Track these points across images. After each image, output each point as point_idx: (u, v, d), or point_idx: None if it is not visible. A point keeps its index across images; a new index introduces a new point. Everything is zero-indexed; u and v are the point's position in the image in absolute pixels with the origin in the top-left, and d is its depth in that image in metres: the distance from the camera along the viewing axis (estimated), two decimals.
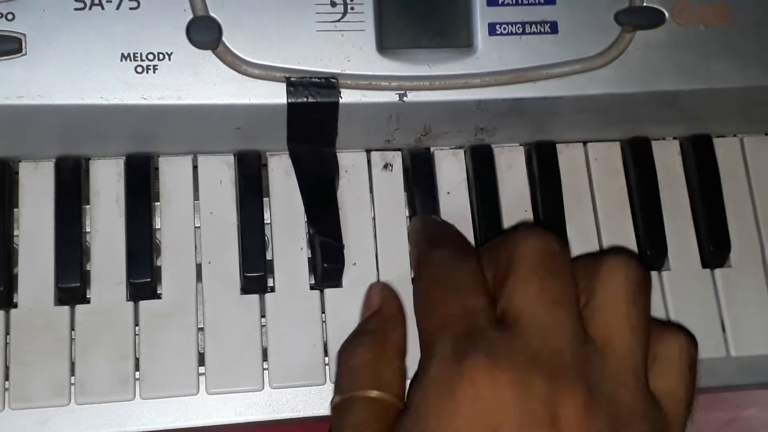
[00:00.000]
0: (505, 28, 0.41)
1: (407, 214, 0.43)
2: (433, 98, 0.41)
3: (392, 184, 0.43)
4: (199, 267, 0.41)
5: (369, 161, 0.44)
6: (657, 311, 0.43)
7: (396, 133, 0.43)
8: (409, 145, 0.44)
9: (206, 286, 0.41)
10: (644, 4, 0.42)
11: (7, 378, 0.39)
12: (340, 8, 0.40)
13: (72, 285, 0.40)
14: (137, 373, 0.39)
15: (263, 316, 0.41)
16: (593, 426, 0.31)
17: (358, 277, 0.41)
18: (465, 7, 0.41)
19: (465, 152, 0.44)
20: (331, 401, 0.38)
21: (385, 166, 0.44)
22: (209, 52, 0.39)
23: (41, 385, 0.39)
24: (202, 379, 0.40)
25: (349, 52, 0.40)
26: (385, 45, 0.40)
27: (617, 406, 0.32)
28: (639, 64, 0.42)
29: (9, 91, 0.38)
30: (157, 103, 0.39)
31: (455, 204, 0.43)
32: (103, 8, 0.39)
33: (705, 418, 0.49)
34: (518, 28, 0.41)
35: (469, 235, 0.43)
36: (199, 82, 0.39)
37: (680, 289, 0.43)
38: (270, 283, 0.41)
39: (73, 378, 0.39)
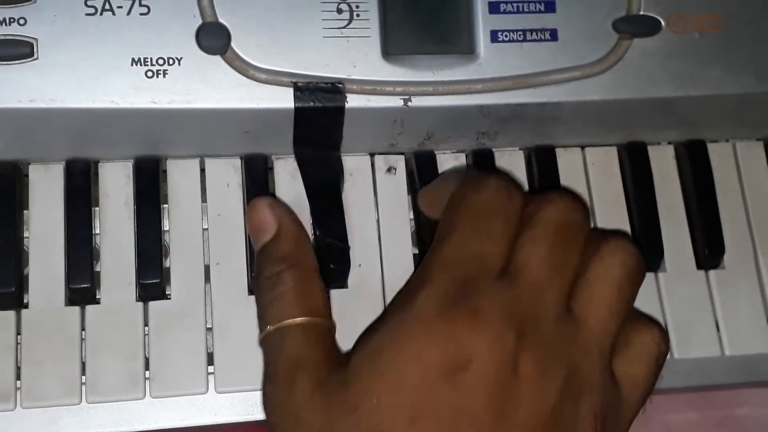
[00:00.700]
0: (506, 36, 0.42)
1: (411, 217, 0.44)
2: (437, 103, 0.42)
3: (396, 187, 0.44)
4: (207, 268, 0.42)
5: (373, 165, 0.45)
6: (653, 311, 0.44)
7: (400, 137, 0.43)
8: (412, 149, 0.45)
9: (214, 287, 0.41)
10: (641, 13, 0.43)
11: (18, 377, 0.39)
12: (346, 15, 0.41)
13: (82, 286, 0.40)
14: (147, 372, 0.40)
15: None
16: (546, 384, 0.33)
17: (363, 278, 0.42)
18: (468, 15, 0.42)
19: (467, 156, 0.45)
20: (260, 336, 0.38)
21: (389, 170, 0.44)
22: (218, 58, 0.40)
23: (52, 384, 0.39)
24: (210, 378, 0.40)
25: (355, 58, 0.41)
26: (390, 51, 0.41)
27: (575, 373, 0.34)
28: (636, 71, 0.43)
29: (21, 95, 0.39)
30: (167, 107, 0.40)
31: None
32: (114, 14, 0.40)
33: (699, 417, 0.50)
34: (519, 35, 0.42)
35: None
36: (208, 87, 0.40)
37: (676, 290, 0.45)
38: None
39: (83, 377, 0.39)
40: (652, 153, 0.46)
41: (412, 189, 0.44)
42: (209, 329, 0.41)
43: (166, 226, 0.42)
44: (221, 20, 0.40)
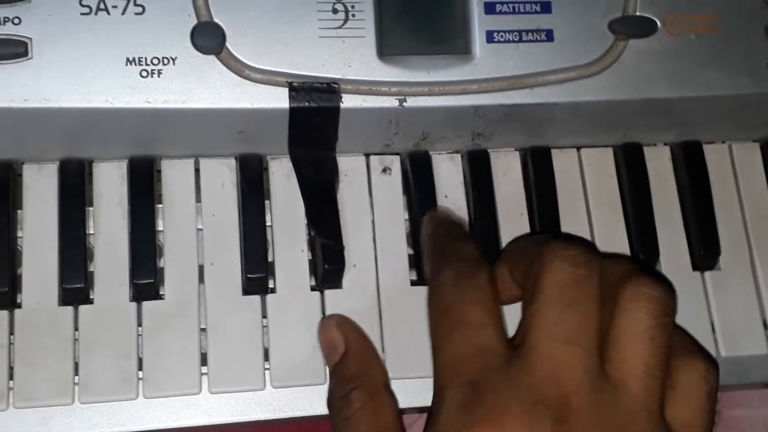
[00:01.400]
0: (502, 36, 0.42)
1: (406, 217, 0.44)
2: (432, 104, 0.42)
3: (391, 187, 0.44)
4: (201, 268, 0.42)
5: (368, 165, 0.44)
6: None
7: (395, 137, 0.43)
8: (408, 150, 0.45)
9: (208, 287, 0.41)
10: (637, 14, 0.43)
11: (11, 377, 0.39)
12: (341, 15, 0.41)
13: (76, 286, 0.40)
14: (140, 372, 0.40)
15: (264, 316, 0.41)
16: None
17: (357, 278, 0.42)
18: (463, 15, 0.42)
19: (462, 157, 0.45)
20: None
21: (384, 170, 0.44)
22: (213, 57, 0.40)
23: (45, 384, 0.39)
24: (204, 378, 0.40)
25: (350, 58, 0.41)
26: (385, 51, 0.41)
27: None
28: (631, 72, 0.43)
29: (15, 94, 0.39)
30: (162, 107, 0.40)
31: (452, 207, 0.44)
32: (108, 13, 0.39)
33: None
34: (515, 35, 0.42)
35: None
36: (202, 87, 0.40)
37: None
38: (271, 284, 0.42)
39: (76, 377, 0.39)
40: (647, 154, 0.46)
41: (407, 190, 0.44)
42: (203, 330, 0.41)
43: (160, 226, 0.42)
44: (216, 20, 0.40)
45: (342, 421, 0.37)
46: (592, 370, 0.33)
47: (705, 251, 0.45)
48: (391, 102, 0.41)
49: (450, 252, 0.39)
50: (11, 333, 0.40)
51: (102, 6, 0.39)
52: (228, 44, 0.40)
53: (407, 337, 0.41)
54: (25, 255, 0.41)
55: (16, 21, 0.39)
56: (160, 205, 0.42)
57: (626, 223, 0.45)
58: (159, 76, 0.40)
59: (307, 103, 0.41)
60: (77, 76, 0.39)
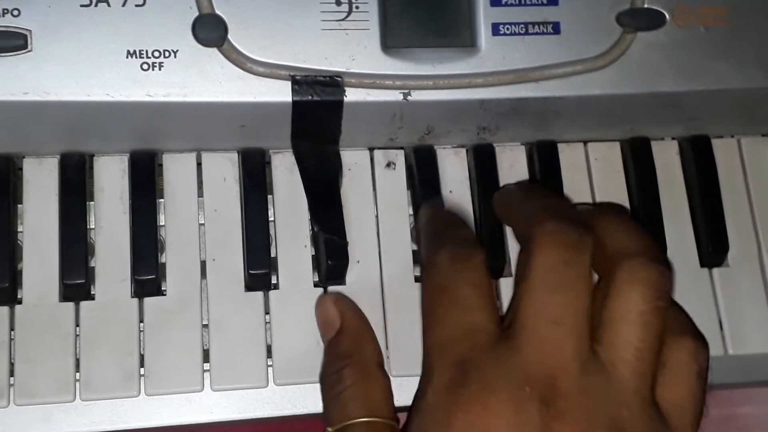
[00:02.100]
0: (508, 29, 0.42)
1: (410, 212, 0.43)
2: (437, 97, 0.41)
3: (395, 182, 0.44)
4: (203, 264, 0.41)
5: (372, 159, 0.44)
6: None
7: (399, 131, 0.43)
8: (412, 144, 0.44)
9: (210, 283, 0.41)
10: (645, 6, 0.42)
11: (12, 374, 0.39)
12: (345, 7, 0.40)
13: (77, 281, 0.40)
14: (142, 369, 0.39)
15: (267, 313, 0.41)
16: None
17: (361, 274, 0.42)
18: (469, 7, 0.42)
19: (467, 151, 0.45)
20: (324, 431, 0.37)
21: (388, 165, 0.44)
22: (215, 50, 0.39)
23: (46, 381, 0.39)
24: (206, 375, 0.40)
25: (354, 51, 0.40)
26: (389, 44, 0.41)
27: (617, 427, 0.32)
28: (639, 65, 0.42)
29: (14, 88, 0.38)
30: (163, 101, 0.39)
31: (457, 202, 0.43)
32: (109, 5, 0.39)
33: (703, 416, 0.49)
34: (521, 28, 0.42)
35: None
36: (204, 80, 0.39)
37: (678, 289, 0.43)
38: (274, 280, 0.42)
39: (78, 374, 0.39)
40: (655, 148, 0.46)
41: (412, 184, 0.44)
42: (205, 326, 0.40)
43: (161, 220, 0.42)
44: (218, 12, 0.40)
45: (333, 397, 0.37)
46: (581, 352, 0.32)
47: (713, 247, 0.45)
48: (395, 96, 0.41)
49: (445, 235, 0.39)
50: (12, 329, 0.39)
51: None
52: (230, 37, 0.39)
53: (411, 333, 0.40)
54: (25, 250, 0.40)
55: (16, 13, 0.38)
56: (162, 200, 0.42)
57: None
58: (160, 69, 0.39)
59: (310, 97, 0.40)
60: (77, 68, 0.39)
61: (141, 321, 0.40)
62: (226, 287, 0.41)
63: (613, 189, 0.45)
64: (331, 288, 0.41)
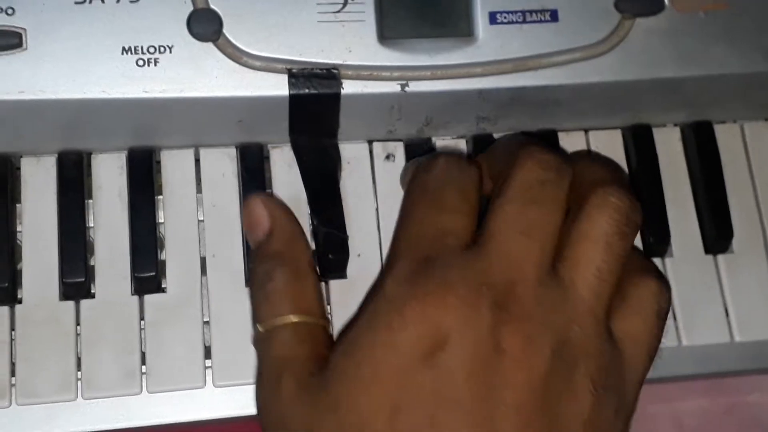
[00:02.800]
0: (505, 17, 0.41)
1: None
2: (435, 88, 0.41)
3: (395, 174, 0.43)
4: (203, 260, 0.41)
5: (371, 152, 0.44)
6: None
7: (398, 123, 0.43)
8: (411, 136, 0.44)
9: (211, 280, 0.41)
10: None
11: (13, 374, 0.39)
12: None
13: (77, 280, 0.40)
14: (143, 367, 0.39)
15: None
16: (533, 357, 0.32)
17: (362, 268, 0.41)
18: None
19: (467, 142, 0.44)
20: (253, 335, 0.38)
21: (387, 157, 0.44)
22: (210, 45, 0.39)
23: (47, 380, 0.38)
24: (208, 372, 0.40)
25: (350, 43, 0.40)
26: (386, 35, 0.40)
27: (565, 342, 0.32)
28: (639, 52, 0.42)
29: (10, 86, 0.38)
30: (159, 97, 0.39)
31: None
32: (103, 2, 0.39)
33: (708, 403, 0.49)
34: (519, 16, 0.41)
35: None
36: (200, 75, 0.39)
37: (683, 276, 0.44)
38: None
39: (79, 373, 0.39)
40: (657, 135, 0.45)
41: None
42: (206, 322, 0.40)
43: (160, 217, 0.42)
44: (213, 6, 0.39)
45: (263, 297, 0.37)
46: (542, 265, 0.33)
47: (717, 234, 0.44)
48: (392, 87, 0.40)
49: (442, 153, 0.39)
50: (12, 329, 0.39)
51: None
52: (225, 31, 0.39)
53: None
54: (24, 249, 0.40)
55: (10, 11, 0.38)
56: (161, 197, 0.42)
57: None
58: (156, 65, 0.39)
59: (307, 90, 0.40)
60: (73, 66, 0.38)
61: (142, 319, 0.40)
62: (226, 283, 0.41)
63: None
64: (332, 281, 0.41)
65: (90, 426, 0.39)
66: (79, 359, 0.39)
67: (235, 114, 0.41)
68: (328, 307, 0.41)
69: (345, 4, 0.40)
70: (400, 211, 0.38)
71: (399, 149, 0.44)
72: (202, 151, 0.42)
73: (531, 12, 0.41)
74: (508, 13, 0.41)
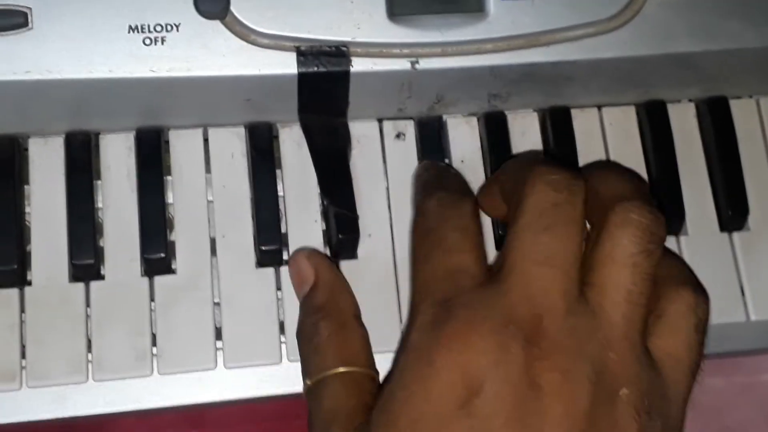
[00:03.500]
0: None
1: None
2: (446, 65, 0.40)
3: (405, 153, 0.43)
4: (213, 241, 0.41)
5: (381, 131, 0.43)
6: None
7: (408, 101, 0.42)
8: (422, 114, 0.43)
9: (221, 261, 0.40)
10: None
11: (23, 356, 0.38)
12: None
13: (86, 261, 0.39)
14: (154, 348, 0.39)
15: (279, 289, 0.40)
16: (572, 391, 0.30)
17: (372, 248, 0.41)
18: None
19: (478, 119, 0.44)
20: (303, 388, 0.37)
21: (398, 136, 0.43)
22: (217, 23, 0.39)
23: (58, 362, 0.38)
24: (219, 353, 0.39)
25: (360, 20, 0.40)
26: (395, 12, 0.40)
27: (603, 370, 0.31)
28: (653, 26, 0.41)
29: (16, 66, 0.38)
30: (166, 76, 0.38)
31: (469, 172, 0.43)
32: None
33: (724, 383, 0.48)
34: None
35: None
36: (207, 54, 0.39)
37: (698, 254, 0.43)
38: (285, 255, 0.41)
39: (89, 355, 0.39)
40: (671, 111, 0.45)
41: (422, 155, 0.43)
42: (217, 304, 0.40)
43: (169, 198, 0.41)
44: None
45: (311, 350, 0.37)
46: (569, 294, 0.32)
47: (733, 211, 0.43)
48: (403, 64, 0.40)
49: (437, 184, 0.39)
50: (22, 311, 0.39)
51: None
52: (232, 8, 0.39)
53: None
54: (33, 231, 0.40)
55: None
56: (169, 177, 0.41)
57: (650, 185, 0.44)
58: (162, 44, 0.38)
59: (315, 68, 0.39)
60: (79, 45, 0.38)
61: (152, 300, 0.40)
62: (237, 264, 0.40)
63: (629, 154, 0.44)
64: (342, 262, 0.41)
65: (101, 408, 0.39)
66: (89, 341, 0.39)
67: (244, 93, 0.40)
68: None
69: None
70: (410, 255, 0.38)
71: (409, 127, 0.43)
72: (211, 131, 0.42)
73: None
74: None
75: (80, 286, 0.39)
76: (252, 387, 0.40)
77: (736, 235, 0.44)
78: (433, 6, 0.40)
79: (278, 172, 0.42)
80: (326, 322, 0.37)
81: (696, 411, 0.47)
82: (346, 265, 0.41)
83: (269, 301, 0.40)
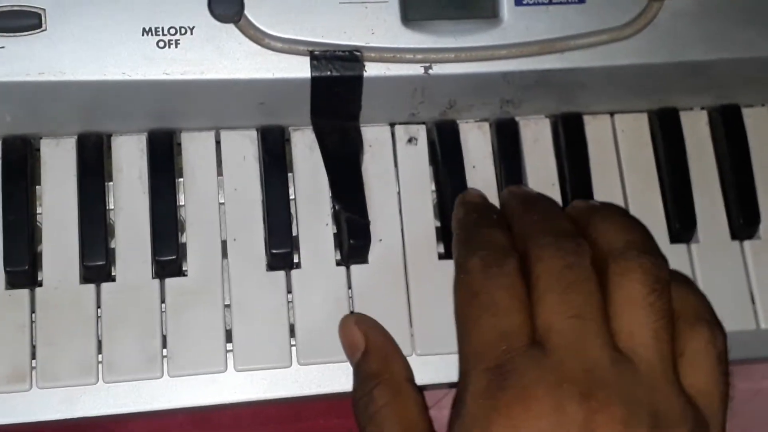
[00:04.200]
0: None
1: (432, 189, 0.43)
2: (459, 71, 0.40)
3: (417, 158, 0.43)
4: (224, 244, 0.41)
5: (393, 135, 0.43)
6: None
7: (420, 106, 0.42)
8: (434, 119, 0.43)
9: (232, 263, 0.40)
10: None
11: (34, 357, 0.38)
12: None
13: (97, 263, 0.39)
14: (165, 350, 0.39)
15: (290, 292, 0.40)
16: None
17: (384, 253, 0.41)
18: None
19: (490, 125, 0.44)
20: None
21: (410, 140, 0.43)
22: (231, 26, 0.39)
23: (68, 363, 0.38)
24: (229, 356, 0.39)
25: (373, 25, 0.40)
26: (409, 17, 0.40)
27: (656, 412, 0.32)
28: (667, 34, 0.41)
29: (29, 68, 0.38)
30: (180, 79, 0.38)
31: (481, 178, 0.43)
32: None
33: (733, 390, 0.48)
34: None
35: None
36: (221, 57, 0.39)
37: (709, 262, 0.43)
38: (296, 259, 0.41)
39: (100, 356, 0.39)
40: (684, 119, 0.45)
41: (434, 160, 0.43)
42: (227, 306, 0.40)
43: (181, 200, 0.41)
44: None
45: (367, 419, 0.37)
46: (607, 344, 0.33)
47: (744, 219, 0.44)
48: (416, 69, 0.40)
49: (479, 238, 0.38)
50: (33, 312, 0.39)
51: None
52: (246, 12, 0.39)
53: (435, 312, 0.40)
54: (45, 232, 0.40)
55: None
56: (181, 179, 0.41)
57: (662, 192, 0.44)
58: (176, 47, 0.38)
59: (329, 72, 0.39)
60: (93, 47, 0.38)
61: (163, 302, 0.40)
62: (247, 267, 0.40)
63: (641, 161, 0.44)
64: (353, 266, 0.41)
65: (111, 409, 0.39)
66: (99, 343, 0.39)
67: (256, 96, 0.40)
68: (350, 291, 0.41)
69: None
70: (455, 314, 0.37)
71: (422, 132, 0.43)
72: (223, 134, 0.42)
73: None
74: None
75: (91, 287, 0.39)
76: (262, 390, 0.40)
77: (747, 243, 0.44)
78: (447, 12, 0.40)
79: (290, 175, 0.42)
80: (380, 389, 0.37)
81: None
82: (356, 270, 0.41)
83: (280, 304, 0.40)
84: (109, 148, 0.41)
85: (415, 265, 0.41)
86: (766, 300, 0.43)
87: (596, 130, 0.44)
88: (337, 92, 0.40)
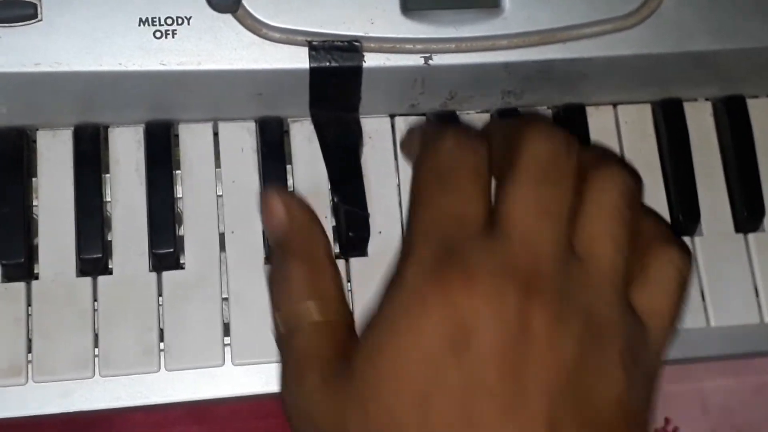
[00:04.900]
0: None
1: None
2: (460, 61, 0.40)
3: None
4: (222, 236, 0.40)
5: (393, 127, 0.43)
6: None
7: (421, 97, 0.42)
8: (434, 110, 0.43)
9: (230, 256, 0.40)
10: None
11: (30, 350, 0.38)
12: None
13: (94, 256, 0.39)
14: (162, 344, 0.39)
15: None
16: (563, 336, 0.31)
17: (383, 245, 0.41)
18: None
19: (491, 116, 0.43)
20: (274, 335, 0.37)
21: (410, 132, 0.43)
22: (229, 16, 0.38)
23: (65, 357, 0.38)
24: (227, 350, 0.39)
25: (373, 15, 0.39)
26: (409, 6, 0.39)
27: (592, 318, 0.32)
28: (671, 24, 0.41)
29: (25, 58, 0.37)
30: (177, 69, 0.38)
31: None
32: None
33: (736, 383, 0.48)
34: None
35: None
36: (218, 47, 0.38)
37: (713, 255, 0.43)
38: None
39: (96, 350, 0.38)
40: (688, 110, 0.44)
41: None
42: (225, 299, 0.40)
43: (178, 192, 0.41)
44: None
45: (282, 291, 0.37)
46: (561, 243, 0.33)
47: (749, 212, 0.43)
48: (416, 60, 0.39)
49: (452, 128, 0.38)
50: (29, 305, 0.39)
51: None
52: (244, 2, 0.38)
53: None
54: (41, 224, 0.40)
55: None
56: (179, 171, 0.41)
57: (665, 184, 0.43)
58: (173, 37, 0.38)
59: (327, 63, 0.39)
60: (89, 38, 0.38)
61: (160, 295, 0.39)
62: (245, 260, 0.40)
63: (645, 153, 0.44)
64: (352, 259, 0.40)
65: (107, 403, 0.38)
66: (96, 336, 0.39)
67: (254, 87, 0.40)
68: (349, 284, 0.40)
69: None
70: (411, 194, 0.36)
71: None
72: (221, 125, 0.42)
73: None
74: None
75: (88, 280, 0.39)
76: (259, 384, 0.39)
77: (751, 236, 0.43)
78: (448, 1, 0.40)
79: (288, 167, 0.41)
80: (297, 262, 0.37)
81: (707, 411, 0.47)
82: (355, 262, 0.40)
83: None
84: (106, 139, 0.41)
85: None
86: None
87: (599, 121, 0.44)
88: (336, 83, 0.40)
